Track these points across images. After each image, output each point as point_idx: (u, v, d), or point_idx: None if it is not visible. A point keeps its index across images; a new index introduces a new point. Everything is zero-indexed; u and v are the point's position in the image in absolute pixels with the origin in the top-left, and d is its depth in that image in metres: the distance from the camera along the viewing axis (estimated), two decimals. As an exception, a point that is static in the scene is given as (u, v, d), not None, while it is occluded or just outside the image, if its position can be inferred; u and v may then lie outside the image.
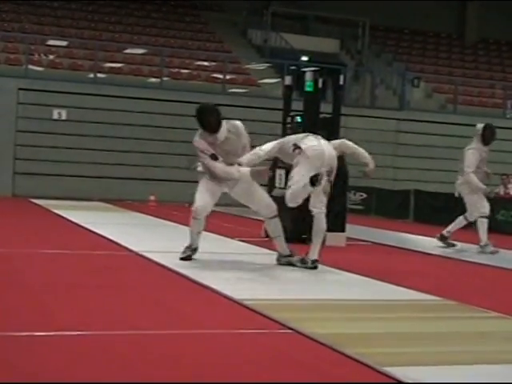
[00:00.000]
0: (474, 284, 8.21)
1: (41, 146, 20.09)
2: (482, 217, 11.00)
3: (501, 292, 7.67)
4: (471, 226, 11.32)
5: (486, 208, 11.02)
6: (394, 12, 29.91)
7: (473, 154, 10.97)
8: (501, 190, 18.88)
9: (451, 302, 6.40)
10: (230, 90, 22.76)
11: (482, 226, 10.97)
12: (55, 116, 20.30)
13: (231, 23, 28.00)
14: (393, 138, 23.32)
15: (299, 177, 7.74)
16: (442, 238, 11.40)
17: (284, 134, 10.97)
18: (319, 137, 8.17)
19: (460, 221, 11.30)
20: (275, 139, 8.51)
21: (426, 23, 30.79)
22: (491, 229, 15.20)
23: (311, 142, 7.96)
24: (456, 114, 24.61)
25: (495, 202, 16.05)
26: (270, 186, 11.61)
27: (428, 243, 11.79)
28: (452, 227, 11.35)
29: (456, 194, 11.31)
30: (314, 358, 4.41)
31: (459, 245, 11.41)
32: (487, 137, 11.04)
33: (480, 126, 11.10)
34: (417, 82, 25.26)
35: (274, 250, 9.53)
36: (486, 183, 11.37)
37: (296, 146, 7.92)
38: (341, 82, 11.76)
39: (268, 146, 8.18)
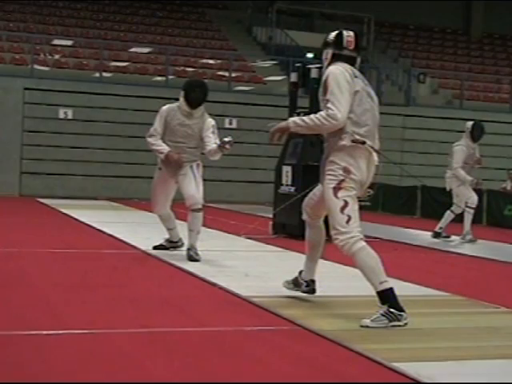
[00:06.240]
0: (481, 279, 8.18)
1: (47, 146, 20.13)
2: (469, 207, 11.70)
3: (509, 287, 7.66)
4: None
5: (473, 199, 11.73)
6: (399, 8, 29.86)
7: (461, 150, 11.68)
8: (508, 185, 18.84)
9: (459, 298, 6.40)
10: (236, 88, 22.75)
11: (468, 216, 11.68)
12: (61, 115, 20.32)
13: (236, 21, 27.99)
14: (399, 134, 23.28)
15: None
16: (436, 235, 11.91)
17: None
18: None
19: (448, 215, 11.89)
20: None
21: (431, 19, 30.73)
22: (498, 224, 15.24)
23: None
24: (462, 109, 24.54)
25: (502, 197, 16.07)
26: (276, 183, 11.64)
27: (435, 239, 11.79)
28: (442, 223, 11.91)
29: (447, 188, 11.99)
30: (322, 355, 4.40)
31: (453, 237, 11.88)
32: (476, 134, 11.74)
33: (469, 123, 11.82)
34: (423, 78, 25.21)
35: (282, 247, 9.54)
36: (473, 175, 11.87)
37: None
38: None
39: None
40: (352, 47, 5.55)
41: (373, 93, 5.55)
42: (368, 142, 5.37)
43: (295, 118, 5.57)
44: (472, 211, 11.67)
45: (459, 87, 25.84)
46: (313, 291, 5.95)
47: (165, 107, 8.44)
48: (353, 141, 5.30)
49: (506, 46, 32.09)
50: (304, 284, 5.94)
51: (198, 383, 3.77)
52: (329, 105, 5.25)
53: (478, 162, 11.88)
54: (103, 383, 3.68)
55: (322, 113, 5.29)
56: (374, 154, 5.44)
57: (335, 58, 5.52)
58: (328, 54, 5.60)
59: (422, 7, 30.17)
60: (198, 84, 8.41)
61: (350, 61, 5.51)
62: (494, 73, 29.11)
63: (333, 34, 5.63)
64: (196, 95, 8.22)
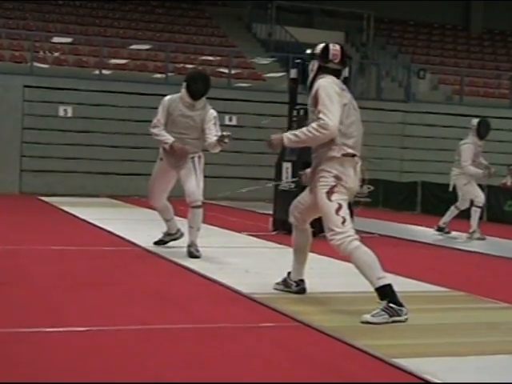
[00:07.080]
0: (481, 275, 8.19)
1: (47, 143, 20.11)
2: (476, 206, 11.67)
3: (509, 282, 7.66)
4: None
5: (480, 198, 11.68)
6: (399, 4, 29.82)
7: (469, 148, 11.58)
8: (508, 181, 18.83)
9: (459, 293, 6.40)
10: (236, 85, 22.74)
11: (475, 214, 11.64)
12: (61, 113, 20.30)
13: (235, 17, 27.96)
14: (399, 130, 23.26)
15: None
16: (440, 229, 11.99)
17: (290, 128, 10.98)
18: None
19: (452, 211, 11.94)
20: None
21: (430, 15, 30.69)
22: (499, 220, 15.25)
23: None
24: (462, 105, 24.53)
25: (502, 192, 16.07)
26: (276, 179, 11.63)
27: (435, 235, 11.81)
28: (446, 218, 11.99)
29: (451, 186, 11.91)
30: (322, 351, 4.41)
31: (453, 233, 11.95)
32: (482, 132, 11.64)
33: (475, 121, 11.72)
34: (422, 74, 25.19)
35: (282, 243, 9.54)
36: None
37: None
38: (346, 75, 11.71)
39: None
40: (337, 60, 5.73)
41: (356, 105, 5.73)
42: (357, 154, 5.52)
43: (288, 134, 5.73)
44: (479, 210, 11.64)
45: (459, 83, 25.82)
46: (303, 290, 6.06)
47: (167, 98, 8.38)
48: (343, 154, 5.44)
49: (506, 41, 32.06)
50: (294, 284, 6.07)
51: (198, 383, 3.77)
52: (320, 115, 5.39)
53: (488, 169, 11.75)
54: (103, 382, 3.68)
55: (313, 124, 5.43)
56: (359, 165, 5.60)
57: (321, 70, 5.68)
58: (314, 65, 5.74)
59: (422, 3, 30.12)
60: (200, 75, 8.38)
61: (335, 73, 5.69)
62: (493, 68, 29.09)
63: (319, 47, 5.78)
64: (198, 87, 8.18)
